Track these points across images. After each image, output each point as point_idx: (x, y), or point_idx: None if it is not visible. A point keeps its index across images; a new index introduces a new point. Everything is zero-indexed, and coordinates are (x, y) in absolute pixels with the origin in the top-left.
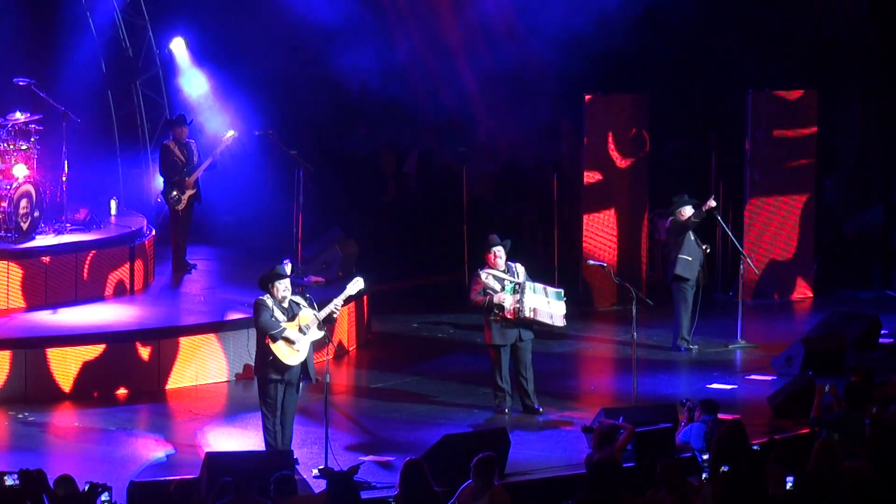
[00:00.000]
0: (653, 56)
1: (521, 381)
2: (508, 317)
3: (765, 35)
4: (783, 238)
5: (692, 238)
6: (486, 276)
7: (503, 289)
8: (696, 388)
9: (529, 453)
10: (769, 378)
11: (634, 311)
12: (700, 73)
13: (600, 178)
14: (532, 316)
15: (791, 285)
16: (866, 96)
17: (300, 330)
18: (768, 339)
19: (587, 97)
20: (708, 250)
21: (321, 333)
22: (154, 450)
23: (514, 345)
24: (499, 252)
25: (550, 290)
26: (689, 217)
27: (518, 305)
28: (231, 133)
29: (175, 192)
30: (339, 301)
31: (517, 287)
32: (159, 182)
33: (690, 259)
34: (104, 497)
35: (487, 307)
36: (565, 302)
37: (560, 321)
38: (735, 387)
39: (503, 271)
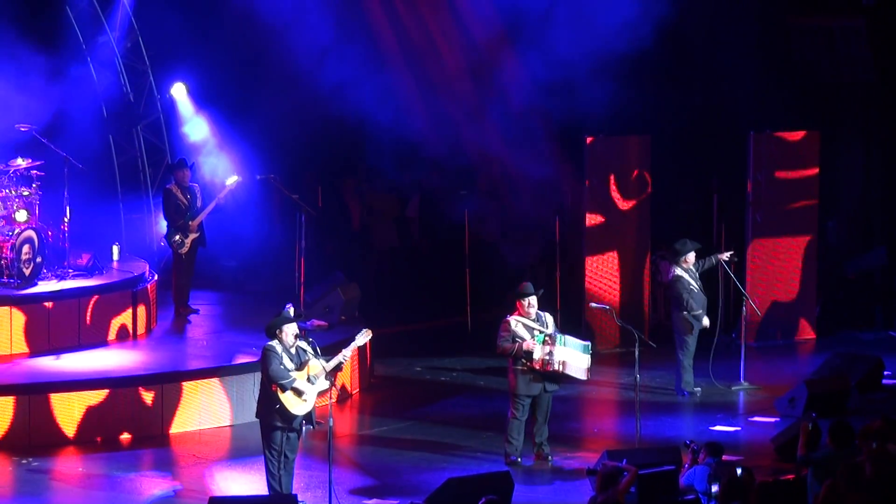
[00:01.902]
0: (655, 98)
1: (535, 431)
2: (536, 367)
3: (766, 77)
4: (785, 279)
5: (696, 290)
6: (515, 323)
7: (533, 338)
8: (700, 430)
9: (533, 496)
10: (772, 420)
11: (637, 353)
12: (702, 114)
13: (602, 220)
14: (561, 369)
15: (794, 327)
16: (868, 138)
17: (308, 380)
18: (771, 381)
19: (589, 139)
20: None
21: (328, 384)
22: (158, 494)
23: (537, 395)
24: (532, 301)
25: (578, 342)
26: (695, 290)
27: (548, 357)
28: (234, 178)
29: (178, 236)
30: (347, 352)
31: (548, 338)
32: (162, 226)
33: (699, 313)
34: None
35: (515, 356)
36: (591, 356)
37: (584, 374)
38: (738, 429)
39: (533, 320)
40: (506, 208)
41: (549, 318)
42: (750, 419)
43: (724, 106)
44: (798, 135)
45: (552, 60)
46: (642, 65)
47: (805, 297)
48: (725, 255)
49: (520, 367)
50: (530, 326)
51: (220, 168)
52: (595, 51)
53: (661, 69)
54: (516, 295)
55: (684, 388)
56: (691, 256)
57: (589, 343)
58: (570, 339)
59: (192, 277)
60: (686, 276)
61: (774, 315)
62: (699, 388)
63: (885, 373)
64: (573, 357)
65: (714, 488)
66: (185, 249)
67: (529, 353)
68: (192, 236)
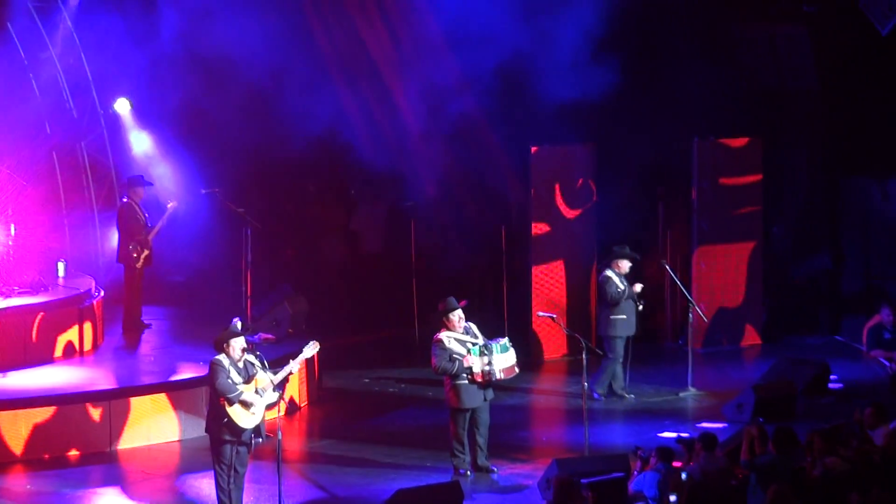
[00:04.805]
0: (599, 106)
1: (478, 440)
2: (478, 380)
3: (710, 83)
4: (731, 285)
5: (624, 296)
6: (448, 340)
7: (468, 351)
8: (648, 437)
9: None
10: (720, 425)
11: (584, 361)
12: (646, 121)
13: (548, 229)
14: (503, 377)
15: (740, 332)
16: (811, 143)
17: (256, 392)
18: (719, 387)
19: (533, 148)
20: (641, 308)
21: (276, 396)
22: None
23: (478, 407)
24: (461, 314)
25: (499, 343)
26: (620, 290)
27: (488, 368)
28: (172, 204)
29: (137, 251)
30: (294, 364)
31: (483, 349)
32: (112, 242)
33: (625, 317)
34: None
35: (457, 373)
36: (514, 350)
37: (514, 372)
38: (686, 435)
39: (462, 332)
40: (451, 218)
41: (473, 326)
42: (698, 425)
43: (669, 113)
44: (741, 141)
45: (495, 67)
46: (587, 72)
47: (751, 302)
48: (637, 288)
49: (460, 382)
50: (462, 340)
51: (164, 184)
52: (539, 59)
53: (606, 77)
54: (441, 314)
55: (595, 389)
56: (624, 263)
57: (507, 339)
58: (497, 343)
59: (142, 294)
60: (615, 279)
61: (721, 321)
62: (633, 395)
63: (832, 377)
64: (506, 361)
65: (672, 498)
66: (140, 264)
67: (469, 368)
68: (146, 252)
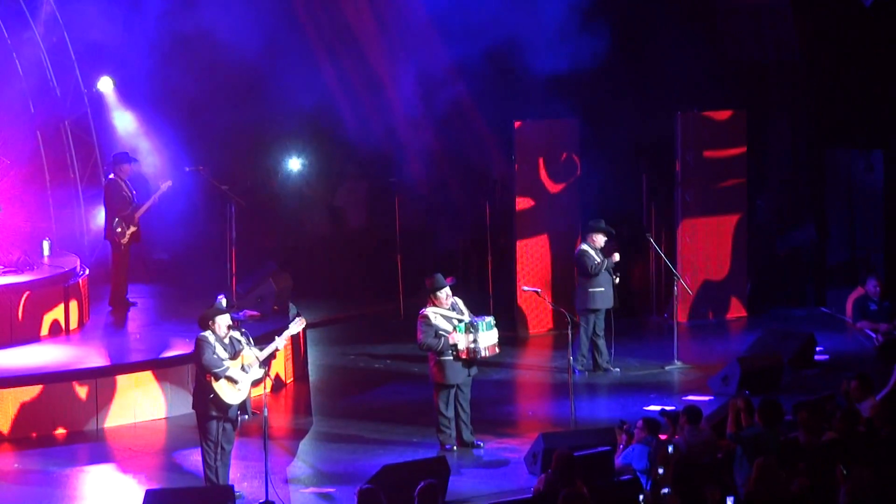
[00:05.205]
0: (581, 80)
1: (461, 415)
2: (463, 357)
3: (693, 56)
4: (716, 258)
5: (601, 269)
6: (434, 316)
7: (454, 328)
8: (634, 411)
9: (469, 481)
10: (706, 398)
11: (570, 335)
12: (629, 95)
13: (532, 203)
14: (487, 355)
15: (725, 305)
16: (794, 116)
17: (242, 369)
18: (704, 360)
19: (517, 123)
20: (617, 280)
21: (262, 372)
22: (94, 489)
23: (462, 382)
24: (448, 292)
25: (485, 320)
26: (597, 262)
27: (473, 346)
28: (166, 183)
29: (122, 226)
30: (281, 340)
31: (469, 326)
32: (98, 220)
33: (603, 290)
34: None
35: (442, 349)
36: (497, 329)
37: (496, 350)
38: (673, 408)
39: (448, 308)
40: (436, 194)
41: (460, 302)
42: (684, 398)
43: (652, 86)
44: (725, 114)
45: (478, 42)
46: (571, 47)
47: (736, 275)
48: (616, 257)
49: (444, 359)
50: (448, 316)
51: (149, 162)
52: (523, 35)
53: (590, 51)
54: (428, 291)
55: (574, 366)
56: (598, 237)
57: (492, 317)
58: (482, 321)
59: (128, 271)
60: (591, 252)
61: (706, 294)
62: (618, 368)
63: (818, 348)
64: (491, 339)
65: (660, 471)
66: (125, 240)
67: (455, 345)
68: (133, 229)
